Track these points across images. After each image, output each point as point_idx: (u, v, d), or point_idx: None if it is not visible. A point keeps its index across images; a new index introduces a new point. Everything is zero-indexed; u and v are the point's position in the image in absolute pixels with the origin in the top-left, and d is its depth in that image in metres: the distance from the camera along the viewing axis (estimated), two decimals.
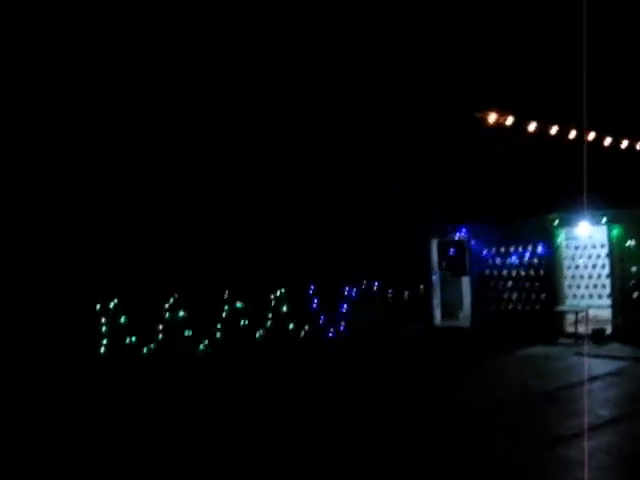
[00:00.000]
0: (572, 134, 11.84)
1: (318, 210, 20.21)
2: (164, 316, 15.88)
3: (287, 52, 19.49)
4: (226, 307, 16.65)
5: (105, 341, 15.13)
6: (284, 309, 17.43)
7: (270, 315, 17.22)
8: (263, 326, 17.12)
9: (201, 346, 16.11)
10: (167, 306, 15.92)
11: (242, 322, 16.83)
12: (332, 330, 18.25)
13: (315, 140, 20.55)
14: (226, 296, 16.77)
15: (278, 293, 17.42)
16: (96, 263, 16.26)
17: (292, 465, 7.77)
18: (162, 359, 15.35)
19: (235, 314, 16.75)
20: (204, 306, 16.33)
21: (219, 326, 16.45)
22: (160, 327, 15.74)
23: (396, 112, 20.45)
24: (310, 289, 18.03)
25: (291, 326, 17.50)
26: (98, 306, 15.34)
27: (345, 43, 19.76)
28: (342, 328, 18.45)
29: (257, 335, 16.92)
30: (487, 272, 18.74)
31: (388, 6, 19.47)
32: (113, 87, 17.70)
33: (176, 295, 16.07)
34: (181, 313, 16.01)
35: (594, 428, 8.49)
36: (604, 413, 9.33)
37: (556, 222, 17.13)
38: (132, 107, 17.88)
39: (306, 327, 17.80)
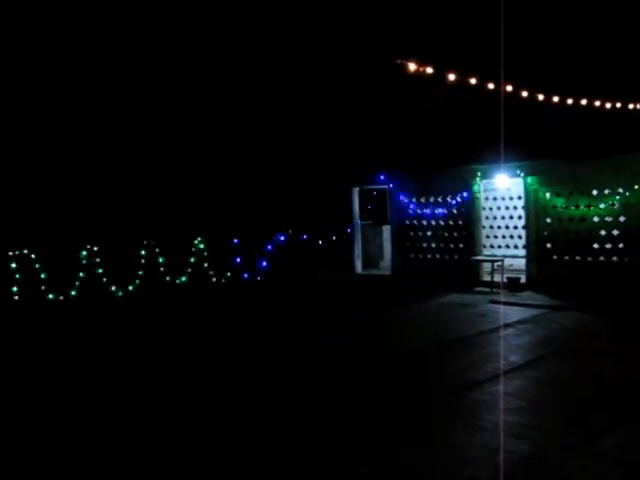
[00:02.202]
0: (490, 86, 11.98)
1: (240, 159, 20.11)
2: (82, 264, 15.56)
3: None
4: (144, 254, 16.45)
5: (16, 288, 14.75)
6: (205, 257, 17.31)
7: (191, 262, 17.08)
8: (184, 273, 16.98)
9: (120, 292, 15.90)
10: (85, 254, 15.59)
11: (162, 269, 16.64)
12: (255, 277, 18.26)
13: (233, 87, 20.42)
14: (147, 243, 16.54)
15: (198, 241, 17.27)
16: (9, 210, 15.93)
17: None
18: (81, 306, 15.12)
19: (156, 261, 16.56)
20: (123, 253, 16.08)
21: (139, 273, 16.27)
22: (78, 275, 15.43)
23: (316, 57, 20.39)
24: (232, 238, 17.93)
25: (212, 274, 17.42)
26: (11, 253, 14.93)
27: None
28: (263, 277, 18.48)
29: (178, 281, 16.79)
30: (407, 222, 19.02)
31: None
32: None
33: (94, 244, 15.76)
34: (98, 260, 15.70)
35: (505, 373, 8.80)
36: (515, 359, 9.65)
37: (475, 173, 17.45)
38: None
39: (227, 275, 17.74)
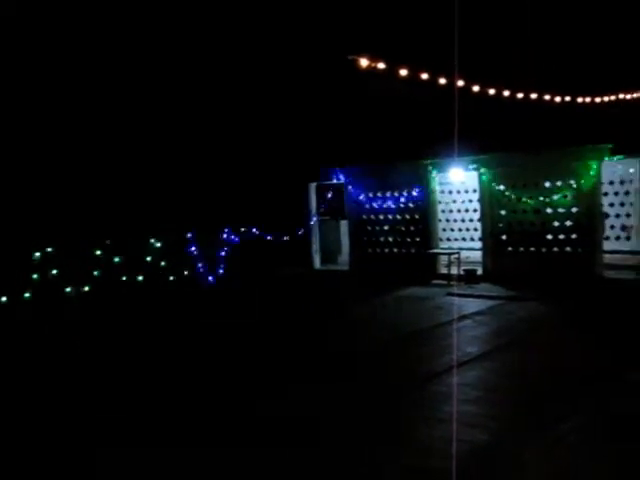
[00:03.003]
0: (443, 81, 12.13)
1: (193, 155, 20.02)
2: (36, 263, 15.32)
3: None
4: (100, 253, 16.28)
5: None
6: (161, 255, 17.18)
7: (148, 260, 16.95)
8: (141, 271, 16.82)
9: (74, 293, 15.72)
10: (39, 254, 15.35)
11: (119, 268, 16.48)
12: (212, 275, 18.15)
13: (188, 82, 20.36)
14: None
15: (154, 239, 17.14)
16: None
17: None
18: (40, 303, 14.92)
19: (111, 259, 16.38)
20: (80, 251, 15.88)
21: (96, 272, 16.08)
22: (34, 275, 15.19)
23: (270, 53, 20.42)
24: (188, 235, 17.78)
25: (168, 273, 17.28)
26: None
27: None
28: (221, 272, 18.37)
29: (135, 280, 16.64)
30: (364, 216, 19.06)
31: None
32: None
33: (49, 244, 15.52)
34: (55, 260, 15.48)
35: (462, 364, 8.90)
36: (472, 350, 9.75)
37: (430, 167, 17.56)
38: None
39: (185, 273, 17.63)
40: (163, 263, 17.14)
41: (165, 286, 16.93)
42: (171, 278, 17.27)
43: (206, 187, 19.57)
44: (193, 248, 17.81)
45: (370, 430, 6.83)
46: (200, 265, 17.93)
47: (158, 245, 17.14)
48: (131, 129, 19.79)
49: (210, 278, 18.07)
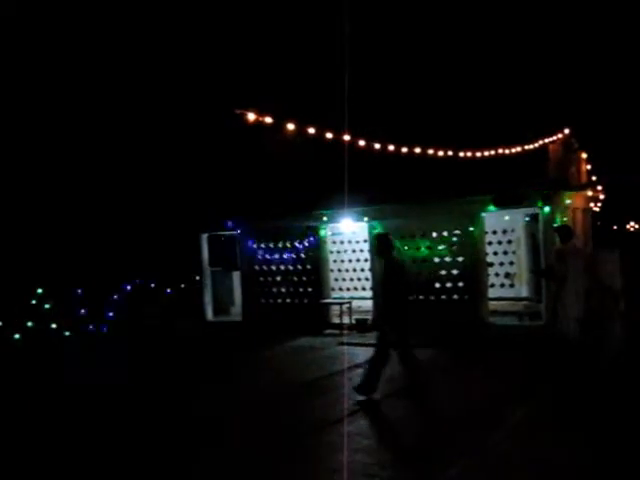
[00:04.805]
0: (329, 135, 12.47)
1: (81, 205, 19.65)
2: None
3: None
4: None
5: None
6: (46, 309, 16.60)
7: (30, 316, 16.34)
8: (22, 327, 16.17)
9: None
10: None
11: None
12: (101, 328, 17.66)
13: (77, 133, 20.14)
14: None
15: (39, 292, 16.57)
16: None
17: None
18: None
19: None
20: None
21: None
22: None
23: (162, 106, 20.46)
24: (74, 287, 17.27)
25: (54, 326, 16.70)
26: None
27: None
28: (108, 326, 17.91)
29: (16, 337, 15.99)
30: (257, 267, 19.02)
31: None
32: None
33: None
34: None
35: (353, 413, 8.98)
36: (363, 398, 9.85)
37: (322, 218, 17.78)
38: None
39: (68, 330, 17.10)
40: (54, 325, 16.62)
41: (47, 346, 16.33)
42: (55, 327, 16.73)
43: (96, 237, 19.17)
44: (82, 301, 17.34)
45: None
46: (89, 318, 17.45)
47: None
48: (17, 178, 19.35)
49: (102, 330, 17.59)
